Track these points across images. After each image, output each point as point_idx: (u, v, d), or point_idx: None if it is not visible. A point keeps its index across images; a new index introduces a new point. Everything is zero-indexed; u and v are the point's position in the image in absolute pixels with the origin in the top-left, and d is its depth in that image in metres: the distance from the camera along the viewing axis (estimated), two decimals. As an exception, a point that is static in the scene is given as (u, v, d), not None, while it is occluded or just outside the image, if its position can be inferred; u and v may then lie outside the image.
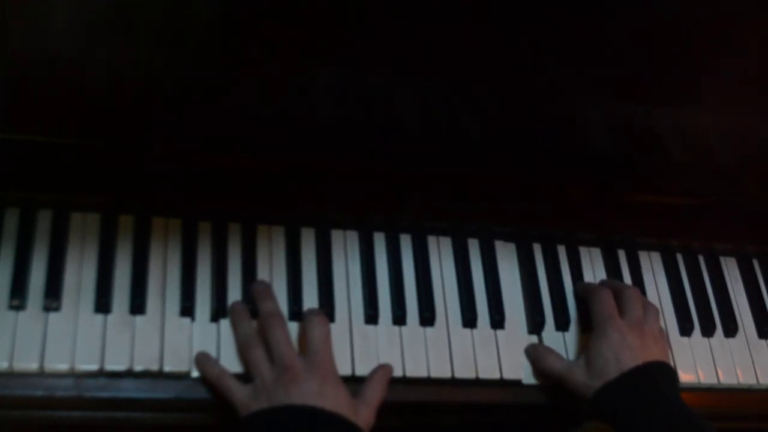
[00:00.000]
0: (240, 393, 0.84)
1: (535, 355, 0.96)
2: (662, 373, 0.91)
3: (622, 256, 1.08)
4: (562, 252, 1.05)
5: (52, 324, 0.85)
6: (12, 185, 0.89)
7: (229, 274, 0.92)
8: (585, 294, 1.00)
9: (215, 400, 0.86)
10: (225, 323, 0.89)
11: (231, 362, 0.87)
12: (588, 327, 0.97)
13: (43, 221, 0.90)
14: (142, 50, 0.79)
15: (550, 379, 0.95)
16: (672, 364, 1.02)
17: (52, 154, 0.87)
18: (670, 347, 1.03)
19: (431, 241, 1.01)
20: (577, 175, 1.01)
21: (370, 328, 0.94)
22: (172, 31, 0.78)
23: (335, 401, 0.83)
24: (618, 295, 0.98)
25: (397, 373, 0.91)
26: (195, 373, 0.86)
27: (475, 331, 0.97)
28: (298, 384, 0.82)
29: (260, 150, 0.92)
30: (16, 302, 0.85)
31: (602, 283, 1.03)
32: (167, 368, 0.86)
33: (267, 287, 0.91)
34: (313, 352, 0.86)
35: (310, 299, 0.93)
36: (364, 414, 0.85)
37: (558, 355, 0.96)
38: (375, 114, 0.91)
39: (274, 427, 0.81)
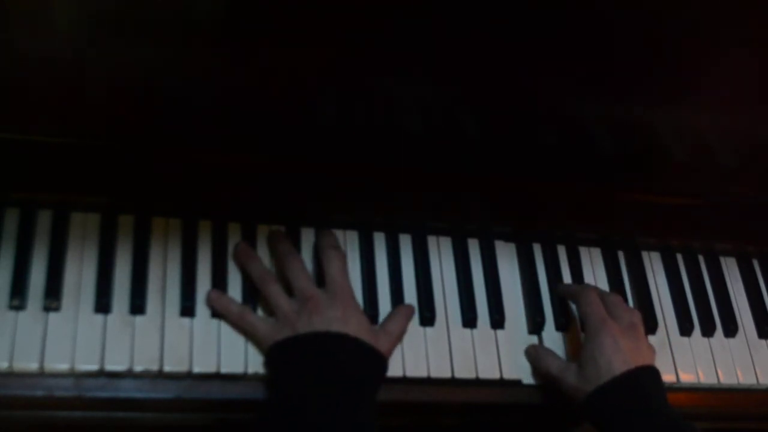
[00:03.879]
0: (263, 327, 0.86)
1: (534, 355, 0.97)
2: (651, 377, 0.91)
3: (622, 256, 1.08)
4: (562, 252, 1.05)
5: (52, 324, 0.85)
6: (12, 185, 0.89)
7: (229, 274, 0.92)
8: (569, 296, 1.00)
9: (215, 400, 0.86)
10: (225, 323, 0.89)
11: (232, 362, 0.87)
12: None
13: (43, 221, 0.90)
14: (143, 50, 0.79)
15: (546, 381, 0.95)
16: (672, 363, 1.02)
17: (52, 154, 0.87)
18: (671, 347, 1.03)
19: (431, 241, 1.01)
20: (577, 175, 1.01)
21: (371, 328, 0.94)
22: (172, 30, 0.78)
23: (357, 327, 0.85)
24: (602, 301, 0.97)
25: (397, 373, 0.91)
26: (195, 371, 0.86)
27: (475, 331, 0.97)
28: (321, 311, 0.85)
29: (260, 150, 0.92)
30: (16, 302, 0.85)
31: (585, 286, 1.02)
32: (167, 368, 0.86)
33: (281, 232, 0.93)
34: (332, 282, 0.88)
35: (310, 299, 0.93)
36: (384, 342, 0.88)
37: (555, 357, 0.96)
38: (375, 114, 0.91)
39: (300, 353, 0.83)
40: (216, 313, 0.89)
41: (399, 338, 0.91)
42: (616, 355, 0.90)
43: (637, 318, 0.96)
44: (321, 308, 0.85)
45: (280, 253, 0.91)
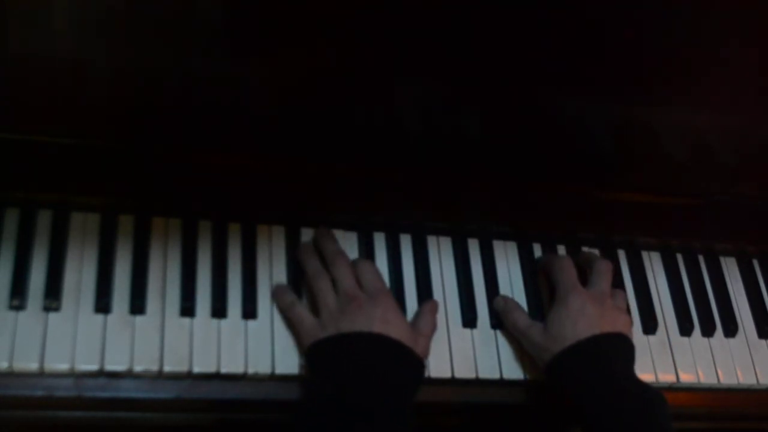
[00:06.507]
0: (308, 322, 0.88)
1: (504, 307, 0.97)
2: (617, 344, 0.92)
3: (622, 256, 1.08)
4: (562, 252, 1.05)
5: (52, 324, 0.85)
6: (12, 185, 0.89)
7: (229, 274, 0.92)
8: (546, 265, 1.00)
9: (215, 400, 0.86)
10: (225, 323, 0.89)
11: (232, 362, 0.87)
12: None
13: (43, 221, 0.90)
14: (143, 50, 0.79)
15: (513, 333, 0.96)
16: (672, 363, 1.02)
17: (52, 154, 0.87)
18: (671, 347, 1.03)
19: (431, 241, 1.01)
20: (577, 175, 1.01)
21: (371, 328, 0.94)
22: (173, 30, 0.78)
23: (398, 329, 0.86)
24: (588, 267, 0.99)
25: (397, 373, 0.91)
26: (195, 371, 0.86)
27: (475, 331, 0.97)
28: (364, 311, 0.86)
29: (260, 150, 0.92)
30: (16, 302, 0.85)
31: (578, 255, 1.03)
32: (167, 368, 0.86)
33: (329, 232, 0.96)
34: (370, 285, 0.90)
35: (310, 299, 0.93)
36: (422, 344, 0.89)
37: (523, 312, 0.96)
38: (375, 114, 0.91)
39: (342, 353, 0.84)
40: (216, 313, 0.89)
41: (432, 334, 0.92)
42: (582, 319, 0.90)
43: (619, 294, 0.98)
44: (364, 308, 0.87)
45: (329, 252, 0.93)
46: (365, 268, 0.92)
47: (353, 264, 0.92)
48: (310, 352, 0.86)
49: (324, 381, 0.84)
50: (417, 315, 0.93)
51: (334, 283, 0.90)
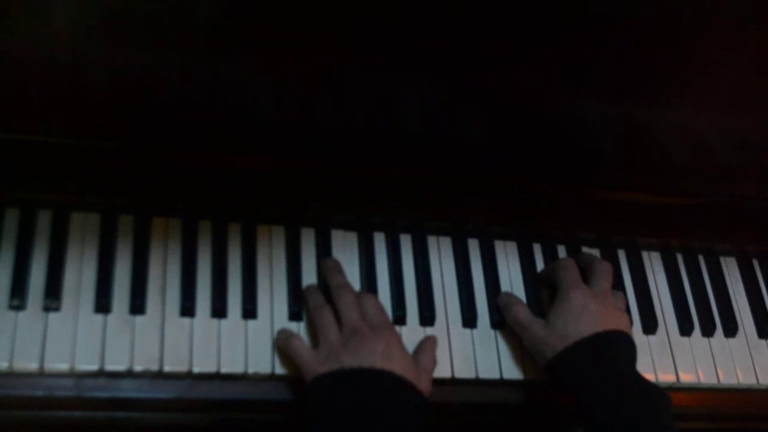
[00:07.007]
0: (308, 355, 0.86)
1: (506, 301, 0.97)
2: (620, 342, 0.91)
3: (622, 256, 1.08)
4: (562, 252, 1.05)
5: (52, 324, 0.85)
6: (12, 185, 0.89)
7: (229, 274, 0.92)
8: (549, 268, 1.00)
9: (215, 400, 0.86)
10: (225, 323, 0.89)
11: (232, 362, 0.87)
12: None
13: (43, 221, 0.90)
14: (142, 50, 0.79)
15: (514, 328, 0.95)
16: (672, 364, 1.02)
17: (52, 154, 0.87)
18: (671, 347, 1.03)
19: (431, 241, 1.01)
20: (577, 175, 1.01)
21: (371, 328, 0.94)
22: (172, 30, 0.78)
23: (401, 364, 0.85)
24: (589, 267, 0.98)
25: (397, 373, 0.91)
26: (195, 371, 0.86)
27: (475, 331, 0.97)
28: (367, 345, 0.85)
29: (260, 150, 0.92)
30: (16, 302, 0.85)
31: (577, 257, 1.03)
32: (167, 368, 0.86)
33: (336, 263, 0.94)
34: (373, 318, 0.88)
35: (310, 299, 0.93)
36: (424, 380, 0.88)
37: (525, 307, 0.96)
38: (375, 114, 0.91)
39: (344, 388, 0.83)
40: (216, 313, 0.89)
41: (433, 372, 0.91)
42: (585, 316, 0.90)
43: (618, 295, 0.98)
44: (367, 342, 0.85)
45: (334, 284, 0.91)
46: (368, 301, 0.90)
47: (359, 297, 0.91)
48: (311, 386, 0.84)
49: (326, 416, 0.82)
50: (418, 350, 0.92)
51: (337, 315, 0.89)
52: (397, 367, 0.84)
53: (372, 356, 0.84)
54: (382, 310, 0.91)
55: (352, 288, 0.92)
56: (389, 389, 0.83)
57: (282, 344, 0.88)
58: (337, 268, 0.94)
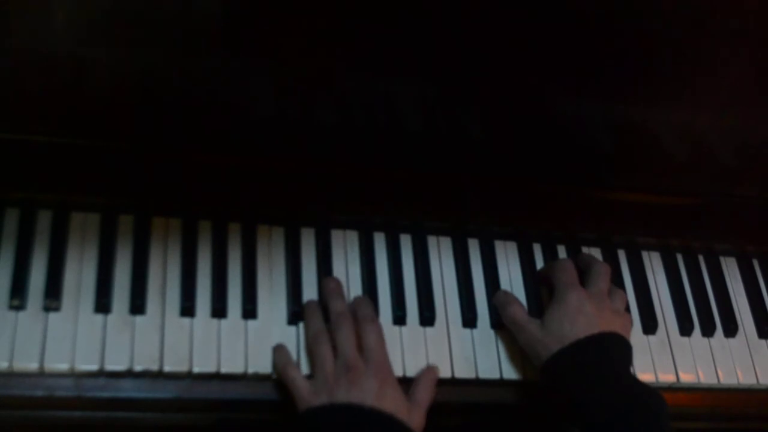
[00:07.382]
0: (302, 386, 0.86)
1: (503, 300, 0.97)
2: (616, 345, 0.91)
3: (622, 256, 1.08)
4: (562, 252, 1.05)
5: (52, 324, 0.85)
6: (12, 185, 0.89)
7: (229, 274, 0.92)
8: (547, 268, 1.00)
9: (215, 400, 0.86)
10: (225, 323, 0.89)
11: (232, 362, 0.87)
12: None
13: (43, 221, 0.90)
14: (142, 50, 0.79)
15: (510, 327, 0.95)
16: (672, 364, 1.02)
17: (52, 154, 0.87)
18: (671, 347, 1.03)
19: (431, 241, 1.01)
20: (577, 174, 1.01)
21: (370, 328, 0.94)
22: (172, 30, 0.78)
23: (393, 403, 0.84)
24: (587, 268, 0.98)
25: (397, 373, 0.91)
26: (195, 371, 0.86)
27: (475, 331, 0.97)
28: (360, 383, 0.84)
29: (260, 150, 0.92)
30: (16, 302, 0.85)
31: (576, 257, 1.03)
32: (167, 368, 0.86)
33: (338, 285, 0.93)
34: (370, 352, 0.87)
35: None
36: (416, 417, 0.87)
37: (522, 307, 0.96)
38: (375, 114, 0.91)
39: (334, 424, 0.83)
40: (216, 313, 0.89)
41: (429, 404, 0.90)
42: (580, 317, 0.90)
43: (617, 295, 0.97)
44: (360, 380, 0.84)
45: (333, 312, 0.90)
46: (370, 332, 0.89)
47: (360, 325, 0.89)
48: (301, 418, 0.84)
49: None
50: (416, 381, 0.91)
51: (334, 346, 0.88)
52: (389, 405, 0.84)
53: (363, 395, 0.83)
54: (382, 342, 0.89)
55: (351, 318, 0.90)
56: (377, 425, 0.83)
57: (278, 371, 0.88)
58: (338, 291, 0.93)
